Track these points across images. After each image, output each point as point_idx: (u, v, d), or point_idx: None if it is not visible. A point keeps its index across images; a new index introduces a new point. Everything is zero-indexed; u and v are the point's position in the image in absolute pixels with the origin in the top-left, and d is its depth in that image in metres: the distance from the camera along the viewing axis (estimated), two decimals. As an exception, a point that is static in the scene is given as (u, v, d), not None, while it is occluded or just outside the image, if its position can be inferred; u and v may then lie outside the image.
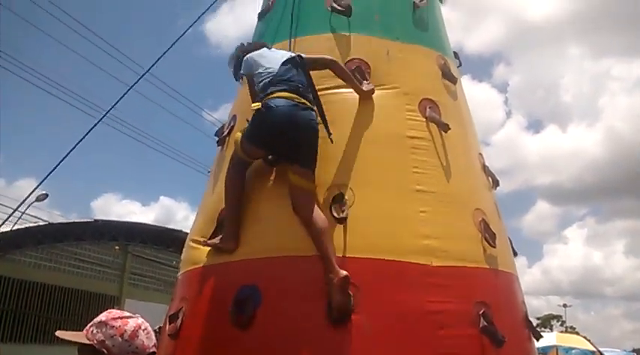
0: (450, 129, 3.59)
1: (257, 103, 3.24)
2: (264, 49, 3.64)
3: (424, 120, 3.60)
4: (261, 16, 4.51)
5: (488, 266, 3.38)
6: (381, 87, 3.62)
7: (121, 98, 4.04)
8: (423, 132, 3.56)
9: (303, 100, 3.24)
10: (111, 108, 4.14)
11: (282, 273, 3.09)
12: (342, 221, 3.13)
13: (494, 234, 3.46)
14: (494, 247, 3.43)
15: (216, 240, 3.38)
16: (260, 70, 3.41)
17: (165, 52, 4.26)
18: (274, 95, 3.20)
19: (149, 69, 4.35)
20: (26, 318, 17.59)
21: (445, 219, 3.30)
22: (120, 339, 2.04)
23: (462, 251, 3.26)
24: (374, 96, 3.58)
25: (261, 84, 3.34)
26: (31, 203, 17.71)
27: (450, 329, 2.98)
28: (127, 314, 2.18)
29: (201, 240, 3.56)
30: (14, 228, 16.67)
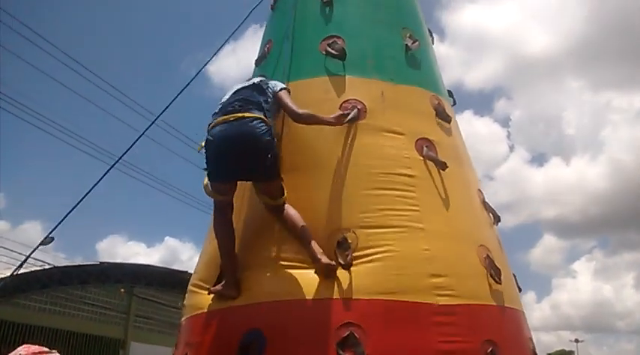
0: (447, 167, 3.62)
1: (202, 142, 3.34)
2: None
3: (422, 159, 3.63)
4: (257, 62, 4.60)
5: (494, 303, 3.36)
6: (378, 127, 3.66)
7: (132, 144, 4.08)
8: (421, 171, 3.58)
9: (239, 115, 3.24)
10: (123, 155, 4.17)
11: (287, 318, 3.07)
12: (347, 267, 3.13)
13: (499, 269, 3.45)
14: (500, 283, 3.41)
15: (219, 287, 3.37)
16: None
17: (174, 99, 4.32)
18: (210, 126, 3.31)
19: (159, 115, 4.40)
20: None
21: (450, 257, 3.29)
22: None
23: (468, 288, 3.24)
24: (372, 137, 3.61)
25: None
26: (37, 246, 17.71)
27: (459, 369, 2.95)
28: (45, 349, 2.24)
29: (204, 285, 3.55)
30: (19, 272, 16.61)
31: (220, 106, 3.44)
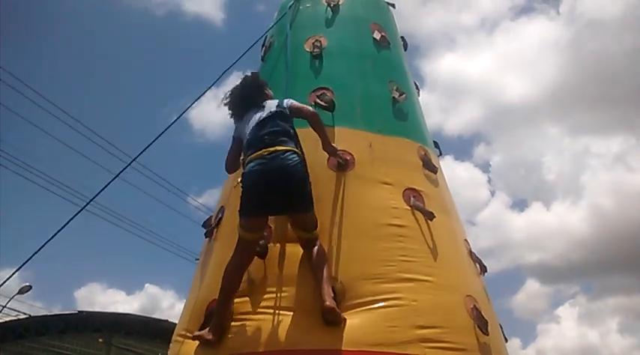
0: (434, 217, 3.65)
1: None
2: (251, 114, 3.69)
3: (409, 208, 3.66)
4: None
5: (481, 355, 3.33)
6: (366, 178, 3.71)
7: (105, 187, 4.02)
8: (408, 221, 3.61)
9: (271, 149, 3.33)
10: (94, 197, 4.11)
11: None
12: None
13: (487, 321, 3.44)
14: (487, 335, 3.39)
15: (204, 332, 3.29)
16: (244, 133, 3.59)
17: (152, 142, 4.28)
18: (247, 160, 3.39)
19: (135, 158, 4.34)
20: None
21: (437, 308, 3.28)
22: None
23: (456, 340, 3.21)
24: (360, 187, 3.66)
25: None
26: (14, 296, 17.32)
27: None
28: None
29: (189, 335, 3.49)
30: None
31: (248, 142, 3.50)
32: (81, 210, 4.01)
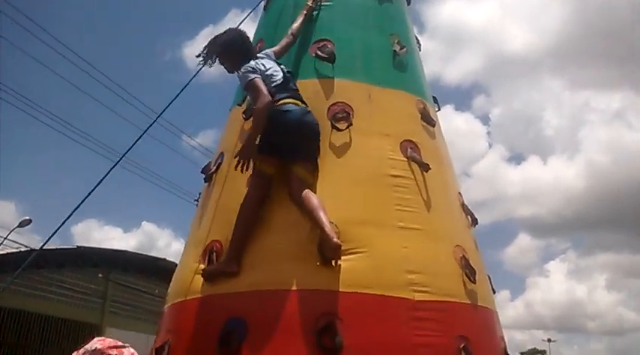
0: (430, 169, 3.77)
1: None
2: (259, 57, 3.88)
3: (405, 160, 3.78)
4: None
5: (469, 302, 3.52)
6: (364, 129, 3.80)
7: (134, 143, 4.14)
8: (404, 172, 3.73)
9: (303, 105, 3.65)
10: (125, 153, 4.23)
11: (269, 307, 3.19)
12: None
13: (475, 270, 3.61)
14: (475, 283, 3.57)
15: (217, 265, 3.46)
16: (265, 79, 3.68)
17: (175, 98, 4.37)
18: (282, 101, 3.57)
19: (160, 113, 4.46)
20: (3, 347, 17.30)
21: (427, 255, 3.44)
22: None
23: (443, 286, 3.39)
24: (358, 137, 3.75)
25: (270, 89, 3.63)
26: (14, 228, 17.60)
27: (432, 362, 3.11)
28: (119, 343, 2.28)
29: (190, 271, 3.65)
30: (-6, 255, 16.51)
31: (284, 85, 3.69)
32: (111, 170, 4.11)
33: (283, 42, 4.15)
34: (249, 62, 3.78)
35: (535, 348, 48.75)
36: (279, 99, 3.59)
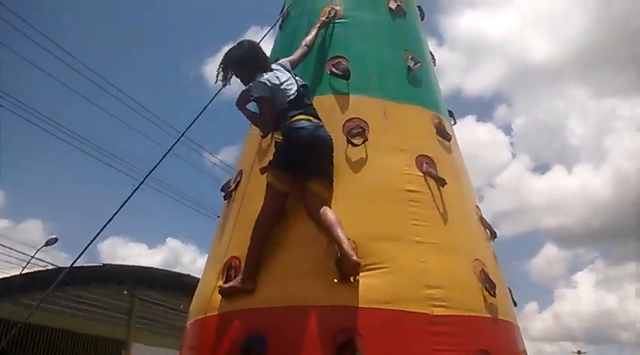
0: (446, 183, 3.78)
1: (277, 133, 3.75)
2: (274, 69, 3.92)
3: (422, 174, 3.79)
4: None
5: (489, 315, 3.50)
6: (380, 144, 3.83)
7: (159, 162, 4.17)
8: (421, 186, 3.74)
9: (316, 120, 3.69)
10: (151, 172, 4.28)
11: (289, 323, 3.22)
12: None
13: (494, 283, 3.59)
14: (495, 296, 3.55)
15: (234, 282, 3.49)
16: (279, 92, 3.76)
17: (199, 114, 4.41)
18: (296, 118, 3.62)
19: (184, 132, 4.50)
20: (33, 363, 17.55)
21: (445, 269, 3.44)
22: None
23: (462, 300, 3.38)
24: (374, 153, 3.78)
25: (280, 106, 3.72)
26: (41, 247, 17.93)
27: (453, 377, 3.10)
28: None
29: (211, 288, 3.71)
30: (23, 273, 16.83)
31: (296, 100, 3.73)
32: (135, 190, 4.18)
33: (299, 52, 4.22)
34: (263, 73, 3.83)
35: (564, 361, 47.62)
36: (293, 116, 3.65)
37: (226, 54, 4.03)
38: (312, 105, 3.81)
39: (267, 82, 3.76)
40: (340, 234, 3.27)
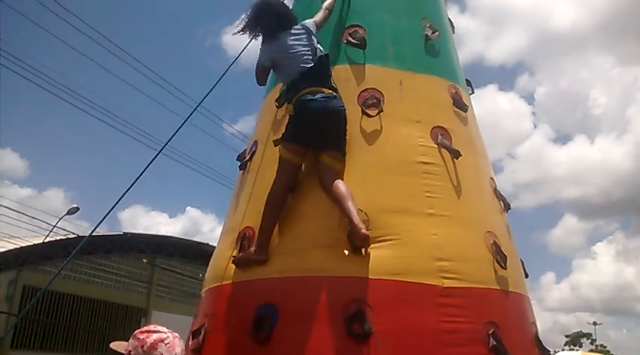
0: (460, 155, 3.74)
1: (291, 105, 3.69)
2: (293, 34, 3.84)
3: (436, 146, 3.76)
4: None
5: (499, 288, 3.50)
6: (395, 116, 3.79)
7: (176, 131, 4.23)
8: (435, 158, 3.71)
9: (330, 91, 3.63)
10: (168, 142, 4.33)
11: (300, 293, 3.26)
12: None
13: (506, 256, 3.59)
14: (505, 269, 3.55)
15: (248, 253, 3.53)
16: (287, 63, 3.77)
17: (214, 86, 4.45)
18: (307, 90, 3.57)
19: (200, 102, 4.52)
20: (56, 328, 18.03)
21: (457, 242, 3.44)
22: (140, 350, 2.27)
23: (473, 272, 3.38)
24: (389, 125, 3.75)
25: (292, 77, 3.70)
26: (63, 216, 18.23)
27: (461, 348, 3.12)
28: (158, 328, 2.40)
29: (226, 257, 3.75)
30: (45, 241, 17.17)
31: (311, 71, 3.66)
32: (154, 159, 4.24)
33: (320, 15, 4.12)
34: (282, 32, 3.83)
35: (580, 331, 47.70)
36: (304, 88, 3.61)
37: (258, 6, 3.96)
38: (330, 76, 3.75)
39: (272, 52, 3.83)
40: (350, 206, 3.27)
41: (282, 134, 3.70)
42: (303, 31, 3.88)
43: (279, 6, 3.99)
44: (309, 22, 3.97)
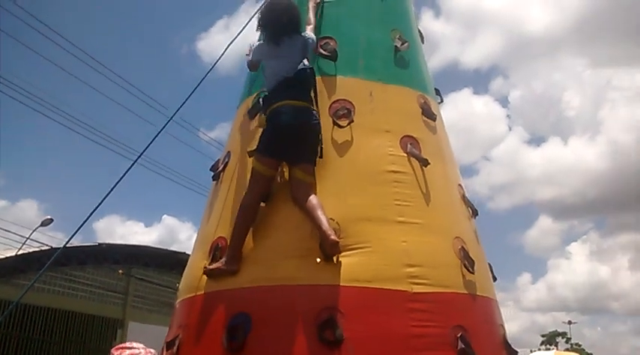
0: (429, 163, 3.84)
1: (263, 116, 3.76)
2: (281, 42, 3.86)
3: (405, 155, 3.85)
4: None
5: (466, 292, 3.60)
6: (365, 126, 3.88)
7: (151, 142, 4.22)
8: (404, 167, 3.80)
9: (302, 103, 3.68)
10: (143, 152, 4.31)
11: (273, 302, 3.31)
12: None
13: (473, 260, 3.69)
14: (473, 273, 3.65)
15: (219, 264, 3.57)
16: (269, 66, 3.86)
17: (193, 90, 4.46)
18: (280, 103, 3.64)
19: (176, 112, 4.52)
20: (30, 342, 17.73)
21: (426, 248, 3.53)
22: None
23: (441, 277, 3.47)
24: (359, 135, 3.83)
25: (271, 85, 3.78)
26: (36, 228, 17.98)
27: (430, 352, 3.20)
28: (133, 345, 2.45)
29: (199, 267, 3.78)
30: (18, 253, 16.90)
31: (290, 80, 3.73)
32: (128, 170, 4.21)
33: (310, 28, 4.12)
34: (283, 35, 3.85)
35: (556, 330, 48.29)
36: (276, 101, 3.67)
37: (271, 10, 3.97)
38: (309, 89, 3.80)
39: (261, 51, 3.96)
40: (320, 215, 3.35)
41: (257, 145, 3.75)
42: (298, 42, 3.89)
43: (291, 10, 3.94)
44: (311, 37, 3.98)
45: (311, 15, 4.25)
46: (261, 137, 3.73)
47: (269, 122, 3.67)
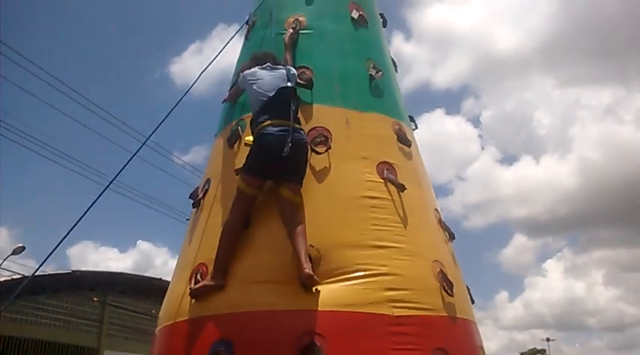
0: (406, 189, 3.93)
1: (250, 137, 3.83)
2: (263, 69, 4.07)
3: (382, 181, 3.94)
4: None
5: (446, 314, 3.67)
6: (342, 153, 3.97)
7: (123, 167, 4.20)
8: (381, 193, 3.89)
9: (293, 123, 3.74)
10: (116, 177, 4.27)
11: (254, 328, 3.34)
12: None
13: (452, 283, 3.76)
14: (452, 296, 3.72)
15: (205, 281, 3.59)
16: (253, 92, 3.96)
17: (167, 115, 4.46)
18: (265, 123, 3.71)
19: (151, 134, 4.51)
20: (2, 374, 17.27)
21: (405, 272, 3.59)
22: None
23: (421, 300, 3.54)
24: (337, 162, 3.92)
25: (255, 107, 3.88)
26: (8, 256, 17.63)
27: (411, 375, 3.26)
28: None
29: (179, 295, 3.79)
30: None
31: (273, 102, 3.84)
32: (100, 195, 4.13)
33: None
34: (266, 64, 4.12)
35: (535, 348, 48.60)
36: (262, 121, 3.75)
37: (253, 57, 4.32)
38: (292, 108, 3.84)
39: (246, 77, 4.07)
40: (300, 245, 3.41)
41: (244, 164, 3.81)
42: (283, 71, 4.05)
43: (270, 53, 4.27)
44: (294, 72, 4.13)
45: (288, 55, 4.37)
46: (248, 156, 3.79)
47: (255, 142, 3.75)
